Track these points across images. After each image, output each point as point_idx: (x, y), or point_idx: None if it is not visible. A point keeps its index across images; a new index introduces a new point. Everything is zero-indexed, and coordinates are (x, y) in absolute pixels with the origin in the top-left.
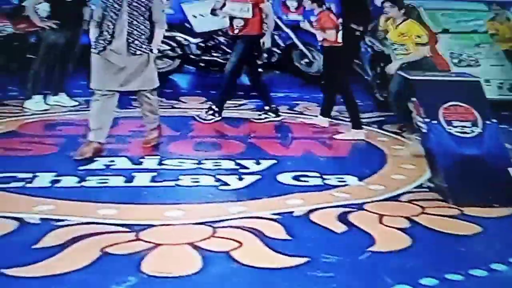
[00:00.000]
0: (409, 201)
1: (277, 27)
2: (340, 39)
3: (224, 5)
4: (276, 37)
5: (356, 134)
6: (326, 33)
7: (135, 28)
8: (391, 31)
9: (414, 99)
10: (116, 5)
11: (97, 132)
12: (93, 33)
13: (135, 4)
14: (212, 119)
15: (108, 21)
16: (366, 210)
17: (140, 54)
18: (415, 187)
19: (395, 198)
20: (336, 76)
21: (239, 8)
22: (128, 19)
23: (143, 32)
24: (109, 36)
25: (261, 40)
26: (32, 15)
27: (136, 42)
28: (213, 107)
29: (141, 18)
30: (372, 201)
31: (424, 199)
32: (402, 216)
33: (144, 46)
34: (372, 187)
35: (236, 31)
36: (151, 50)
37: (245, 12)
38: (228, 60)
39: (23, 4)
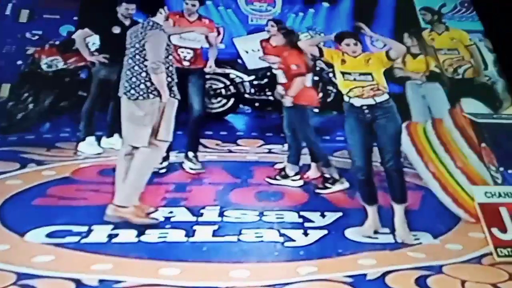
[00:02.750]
0: (492, 265)
1: (331, 64)
2: None
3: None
4: (330, 74)
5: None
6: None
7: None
8: (352, 63)
9: (484, 145)
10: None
11: None
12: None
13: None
14: (201, 167)
15: (169, 64)
16: (445, 274)
17: None
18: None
19: (476, 260)
20: None
21: (194, 37)
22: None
23: None
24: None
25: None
26: (81, 48)
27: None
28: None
29: None
30: (451, 264)
31: (509, 262)
32: (487, 283)
33: None
34: (449, 247)
35: (186, 64)
36: None
37: (198, 42)
38: (193, 99)
39: (73, 36)
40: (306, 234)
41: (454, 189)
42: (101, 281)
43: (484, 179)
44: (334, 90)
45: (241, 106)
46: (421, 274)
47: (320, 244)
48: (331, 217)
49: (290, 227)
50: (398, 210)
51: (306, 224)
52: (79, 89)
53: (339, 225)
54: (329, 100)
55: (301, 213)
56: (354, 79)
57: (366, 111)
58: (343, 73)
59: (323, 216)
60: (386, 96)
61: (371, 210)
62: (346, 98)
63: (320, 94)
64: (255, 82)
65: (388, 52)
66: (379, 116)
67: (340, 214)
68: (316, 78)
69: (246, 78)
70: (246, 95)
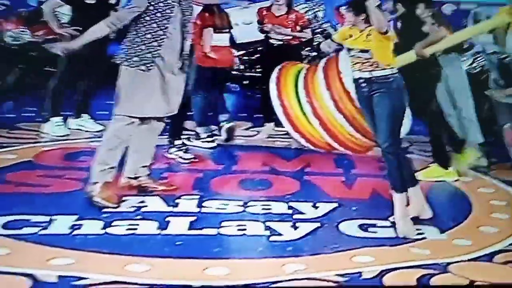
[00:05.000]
0: (505, 263)
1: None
2: None
3: None
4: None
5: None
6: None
7: (186, 41)
8: (355, 38)
9: (508, 125)
10: (167, 10)
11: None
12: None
13: (187, 13)
14: (192, 158)
15: (155, 28)
16: (451, 272)
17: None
18: (511, 244)
19: (486, 258)
20: None
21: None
22: (182, 29)
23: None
24: (158, 48)
25: None
26: (50, 20)
27: (185, 56)
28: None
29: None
30: (458, 261)
31: None
32: (499, 284)
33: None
34: (457, 242)
35: None
36: None
37: None
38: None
39: (42, 6)
40: (295, 227)
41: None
42: (60, 277)
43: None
44: None
45: (228, 83)
46: (424, 272)
47: (311, 239)
48: (324, 208)
49: (277, 219)
50: (398, 200)
51: (296, 216)
52: (47, 64)
53: (333, 218)
54: None
55: (291, 203)
56: (354, 55)
57: (363, 84)
58: (348, 49)
59: (315, 207)
60: (387, 72)
61: (412, 193)
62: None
63: None
64: (244, 58)
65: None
66: (374, 91)
67: (335, 205)
68: (315, 53)
69: (235, 53)
70: (234, 72)
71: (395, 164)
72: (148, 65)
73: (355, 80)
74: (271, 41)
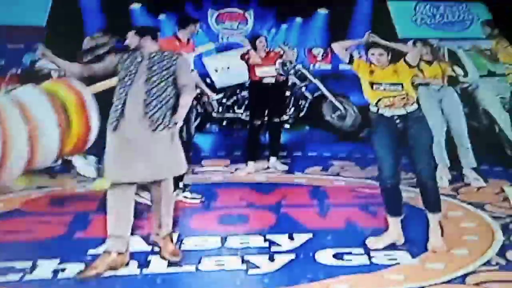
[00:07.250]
0: (477, 284)
1: (304, 78)
2: None
3: None
4: (303, 88)
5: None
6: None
7: (154, 96)
8: (379, 74)
9: None
10: (132, 67)
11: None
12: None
13: (155, 68)
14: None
15: (118, 85)
16: None
17: (162, 130)
18: (482, 264)
19: (459, 280)
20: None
21: None
22: (146, 86)
23: (165, 101)
24: (120, 106)
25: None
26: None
27: (156, 114)
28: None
29: (162, 84)
30: (432, 285)
31: (497, 280)
32: None
33: (166, 119)
34: (430, 266)
35: None
36: (175, 123)
37: None
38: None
39: (35, 66)
40: (272, 259)
41: None
42: None
43: None
44: (307, 105)
45: (208, 125)
46: None
47: (287, 270)
48: (300, 239)
49: (255, 252)
50: (433, 219)
51: (273, 249)
52: None
53: (309, 248)
54: (301, 115)
55: (268, 236)
56: (384, 89)
57: (398, 121)
58: (371, 84)
59: (291, 238)
60: (416, 106)
61: (393, 222)
62: (373, 109)
63: (292, 109)
64: (223, 101)
65: (405, 60)
66: (411, 126)
67: (310, 235)
68: (288, 93)
69: (214, 96)
70: (214, 114)
71: (432, 189)
72: (114, 123)
73: (386, 118)
74: (264, 81)
